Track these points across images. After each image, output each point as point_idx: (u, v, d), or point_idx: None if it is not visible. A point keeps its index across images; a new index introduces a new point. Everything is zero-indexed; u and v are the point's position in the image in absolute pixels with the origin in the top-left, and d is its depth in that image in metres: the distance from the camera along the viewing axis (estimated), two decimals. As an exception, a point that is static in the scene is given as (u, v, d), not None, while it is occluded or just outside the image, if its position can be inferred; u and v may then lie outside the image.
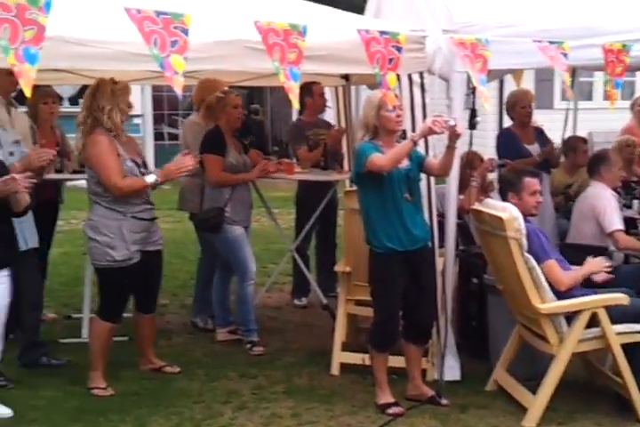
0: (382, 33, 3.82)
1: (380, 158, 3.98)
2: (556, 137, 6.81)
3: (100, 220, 4.33)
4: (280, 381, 4.60)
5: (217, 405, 4.24)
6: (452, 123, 3.89)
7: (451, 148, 4.04)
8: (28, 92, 3.11)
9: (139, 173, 4.32)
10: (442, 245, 4.55)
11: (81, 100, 13.63)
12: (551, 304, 4.04)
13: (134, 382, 4.54)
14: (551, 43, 4.11)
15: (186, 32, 3.41)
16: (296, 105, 3.67)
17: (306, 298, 6.30)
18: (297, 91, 3.61)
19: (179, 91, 3.37)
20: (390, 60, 3.82)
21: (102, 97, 4.31)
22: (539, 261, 4.06)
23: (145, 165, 4.46)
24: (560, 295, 4.07)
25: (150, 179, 4.29)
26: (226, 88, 5.65)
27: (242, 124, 5.43)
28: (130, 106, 4.38)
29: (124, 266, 4.30)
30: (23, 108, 5.31)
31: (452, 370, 4.52)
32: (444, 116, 3.93)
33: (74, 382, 4.48)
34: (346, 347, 4.76)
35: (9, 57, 3.10)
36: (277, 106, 17.40)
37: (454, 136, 3.97)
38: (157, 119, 14.98)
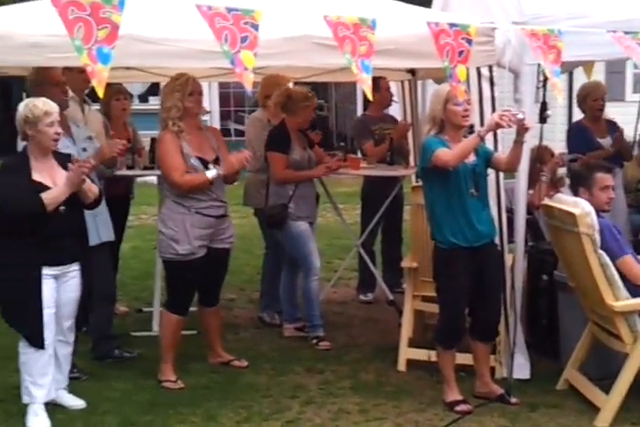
0: (452, 25, 3.77)
1: (445, 153, 3.94)
2: (628, 130, 6.63)
3: (167, 213, 4.43)
4: (347, 376, 4.60)
5: (284, 399, 4.27)
6: (520, 116, 3.82)
7: (519, 142, 3.97)
8: (100, 93, 3.18)
9: (203, 170, 4.37)
10: (511, 241, 4.48)
11: (150, 98, 13.77)
12: (625, 302, 3.94)
13: (203, 375, 4.60)
14: (625, 33, 4.01)
15: (256, 28, 3.43)
16: (370, 96, 3.66)
17: (372, 293, 6.28)
18: (369, 82, 3.60)
19: (248, 87, 3.40)
20: (460, 52, 3.77)
21: (164, 95, 4.42)
22: (613, 257, 3.96)
23: (217, 161, 4.46)
24: (634, 293, 3.97)
25: (211, 173, 4.33)
26: (289, 84, 5.67)
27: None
28: (193, 100, 4.39)
29: (186, 260, 4.37)
30: (96, 106, 5.42)
31: (521, 368, 4.44)
32: (511, 110, 3.86)
33: (145, 374, 4.56)
34: (412, 343, 4.73)
35: (82, 57, 3.16)
36: (342, 101, 17.40)
37: (523, 130, 3.90)
38: (224, 116, 15.13)
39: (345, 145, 12.13)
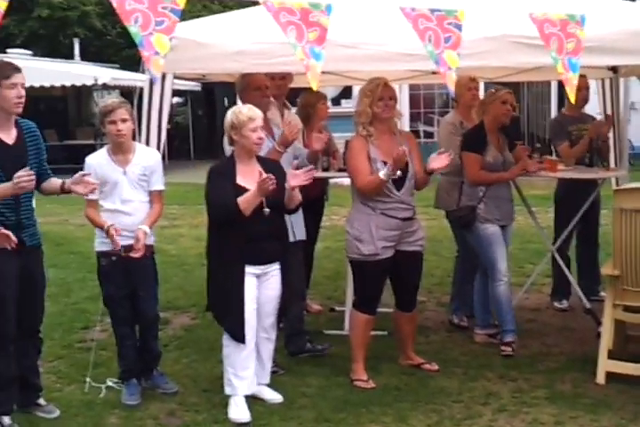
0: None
1: None
2: None
3: (354, 213, 4.51)
4: (541, 386, 4.45)
5: (476, 405, 4.20)
6: None
7: None
8: (314, 85, 3.36)
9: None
10: None
11: (342, 101, 14.15)
12: None
13: (394, 376, 4.62)
14: None
15: (459, 27, 3.46)
16: (573, 99, 3.53)
17: (567, 301, 6.05)
18: (575, 83, 3.48)
19: (451, 87, 3.42)
20: None
21: (358, 99, 4.50)
22: None
23: (406, 165, 4.42)
24: None
25: (382, 172, 4.33)
26: (479, 84, 5.59)
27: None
28: (382, 106, 4.39)
29: (370, 260, 4.40)
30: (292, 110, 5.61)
31: None
32: None
33: (338, 372, 4.65)
34: (612, 355, 4.50)
35: (297, 52, 3.33)
36: (534, 101, 16.91)
37: None
38: (414, 117, 15.20)
39: (541, 146, 11.81)
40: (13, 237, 3.71)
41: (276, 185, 3.90)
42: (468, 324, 5.51)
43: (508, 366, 4.78)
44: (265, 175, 3.88)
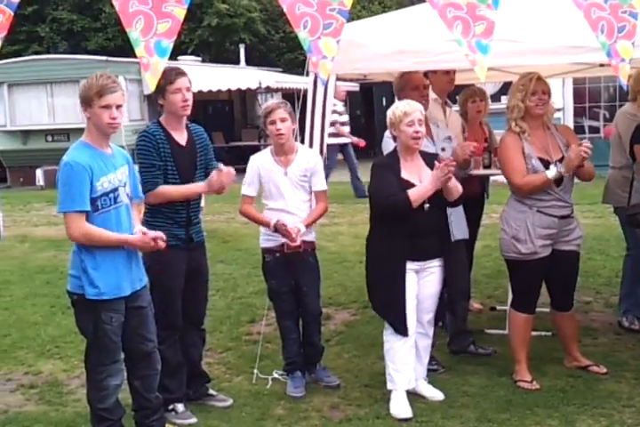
0: None
1: None
2: None
3: (509, 211, 4.41)
4: None
5: (650, 410, 4.02)
6: None
7: None
8: (482, 77, 3.32)
9: (543, 171, 4.24)
10: None
11: (502, 97, 13.94)
12: None
13: (560, 378, 4.49)
14: None
15: (635, 16, 3.34)
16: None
17: None
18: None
19: (624, 79, 3.31)
20: None
21: (509, 95, 4.40)
22: None
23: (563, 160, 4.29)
24: None
25: (551, 173, 4.19)
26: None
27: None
28: (535, 100, 4.27)
29: (528, 259, 4.30)
30: (455, 108, 5.56)
31: None
32: None
33: (500, 372, 4.58)
34: None
35: (463, 48, 3.34)
36: None
37: None
38: (578, 112, 14.63)
39: None
40: (162, 238, 3.52)
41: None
42: (639, 326, 5.26)
43: (684, 371, 4.54)
44: (443, 162, 3.87)
